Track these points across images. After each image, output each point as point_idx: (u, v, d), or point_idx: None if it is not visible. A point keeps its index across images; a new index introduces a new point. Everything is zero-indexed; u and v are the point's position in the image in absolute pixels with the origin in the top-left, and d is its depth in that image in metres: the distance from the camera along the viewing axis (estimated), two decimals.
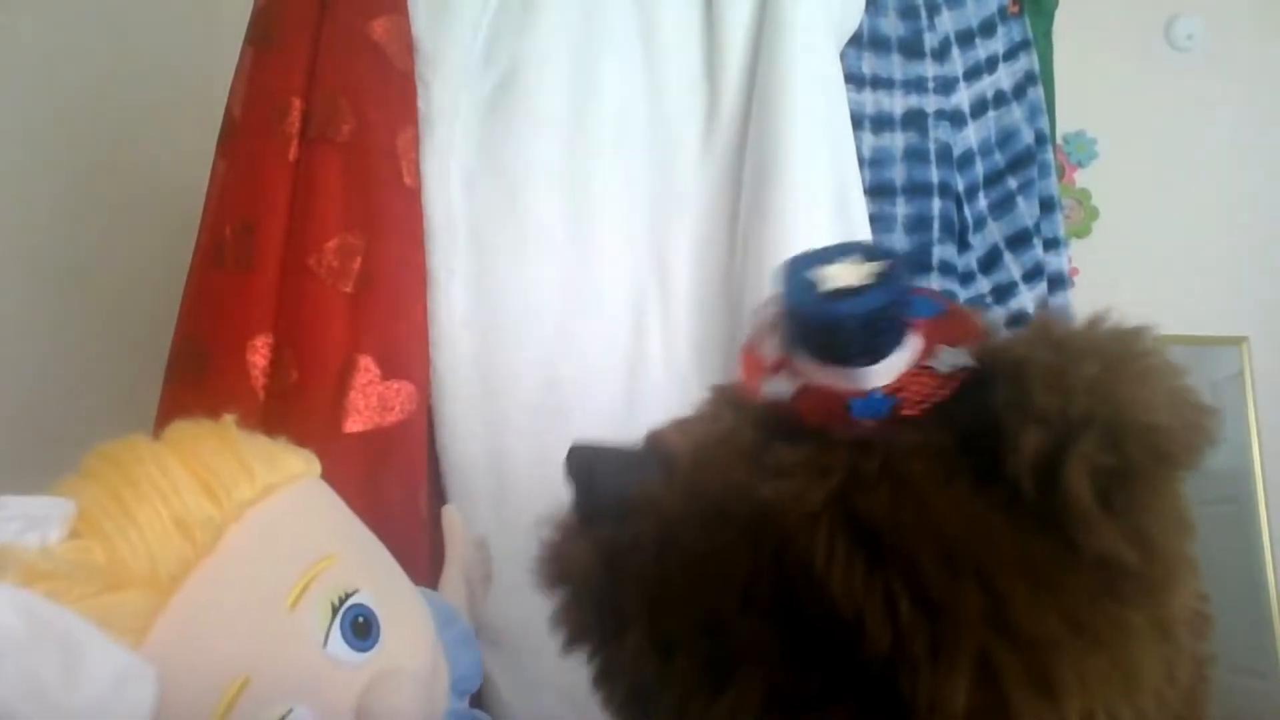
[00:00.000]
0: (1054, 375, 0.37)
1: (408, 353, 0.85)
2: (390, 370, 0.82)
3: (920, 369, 0.43)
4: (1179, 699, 0.40)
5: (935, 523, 0.38)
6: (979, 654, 0.35)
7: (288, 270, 0.82)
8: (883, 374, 0.43)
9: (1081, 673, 0.36)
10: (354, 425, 0.79)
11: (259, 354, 0.80)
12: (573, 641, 0.48)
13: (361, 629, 0.45)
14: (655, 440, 0.47)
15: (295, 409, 0.79)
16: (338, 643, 0.44)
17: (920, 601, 0.36)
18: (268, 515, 0.45)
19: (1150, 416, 0.35)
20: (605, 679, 0.48)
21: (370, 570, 0.49)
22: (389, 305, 0.84)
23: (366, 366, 0.81)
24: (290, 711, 0.42)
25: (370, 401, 0.80)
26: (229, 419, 0.50)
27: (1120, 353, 0.38)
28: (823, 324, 0.43)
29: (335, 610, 0.44)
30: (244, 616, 0.42)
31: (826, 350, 0.43)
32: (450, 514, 0.76)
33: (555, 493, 0.87)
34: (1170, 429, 0.36)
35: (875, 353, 0.43)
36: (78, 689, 0.35)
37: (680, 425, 0.49)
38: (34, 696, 0.34)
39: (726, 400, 0.51)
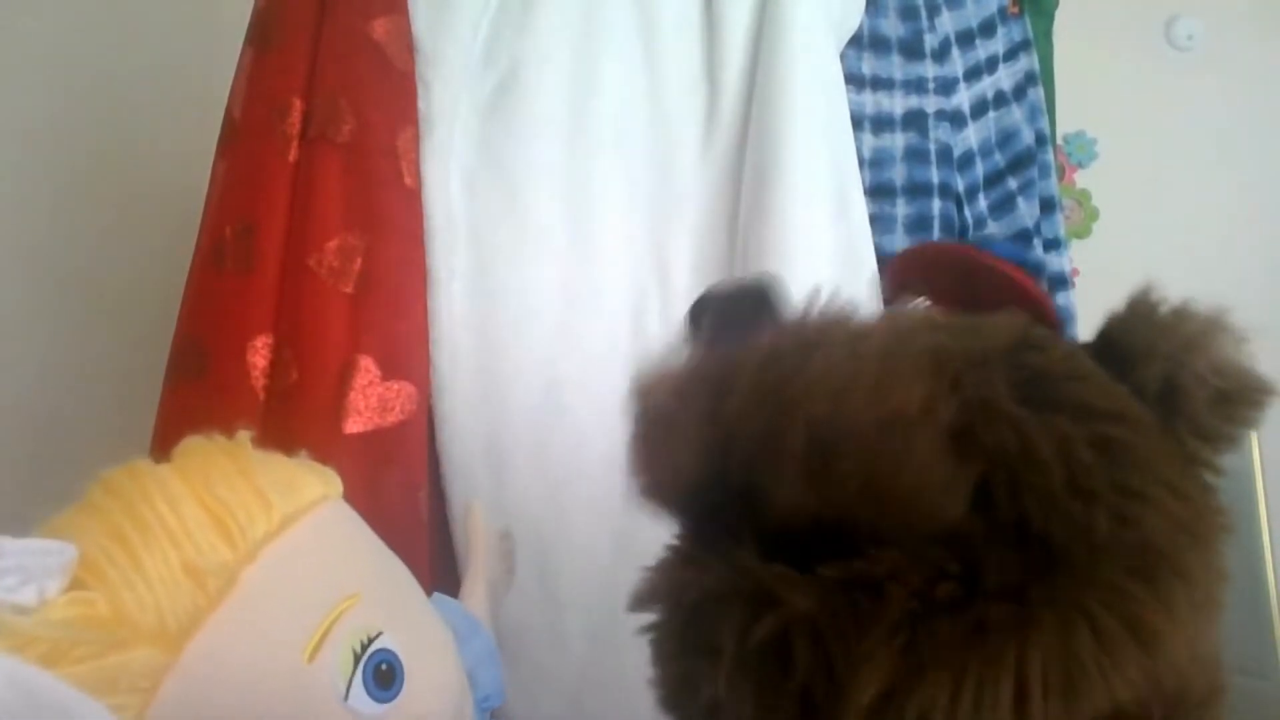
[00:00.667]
0: (1180, 326, 0.41)
1: (408, 353, 0.85)
2: (390, 371, 0.82)
3: None
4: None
5: (1123, 409, 0.39)
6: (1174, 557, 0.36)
7: (288, 271, 0.82)
8: None
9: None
10: (354, 426, 0.79)
11: (259, 354, 0.80)
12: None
13: (385, 677, 0.41)
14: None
15: (295, 410, 0.79)
16: (360, 696, 0.40)
17: (1101, 444, 0.37)
18: (286, 552, 0.42)
19: (1244, 359, 0.40)
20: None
21: (394, 606, 0.45)
22: (389, 305, 0.84)
23: (367, 367, 0.81)
24: None
25: (370, 402, 0.80)
26: (243, 435, 0.47)
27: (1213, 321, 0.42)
28: None
29: (357, 659, 0.41)
30: (259, 671, 0.39)
31: None
32: (474, 514, 0.73)
33: (555, 491, 0.88)
34: (1254, 370, 0.41)
35: None
36: None
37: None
38: None
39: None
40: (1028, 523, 0.35)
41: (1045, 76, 1.17)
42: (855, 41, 1.05)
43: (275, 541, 0.41)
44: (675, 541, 0.46)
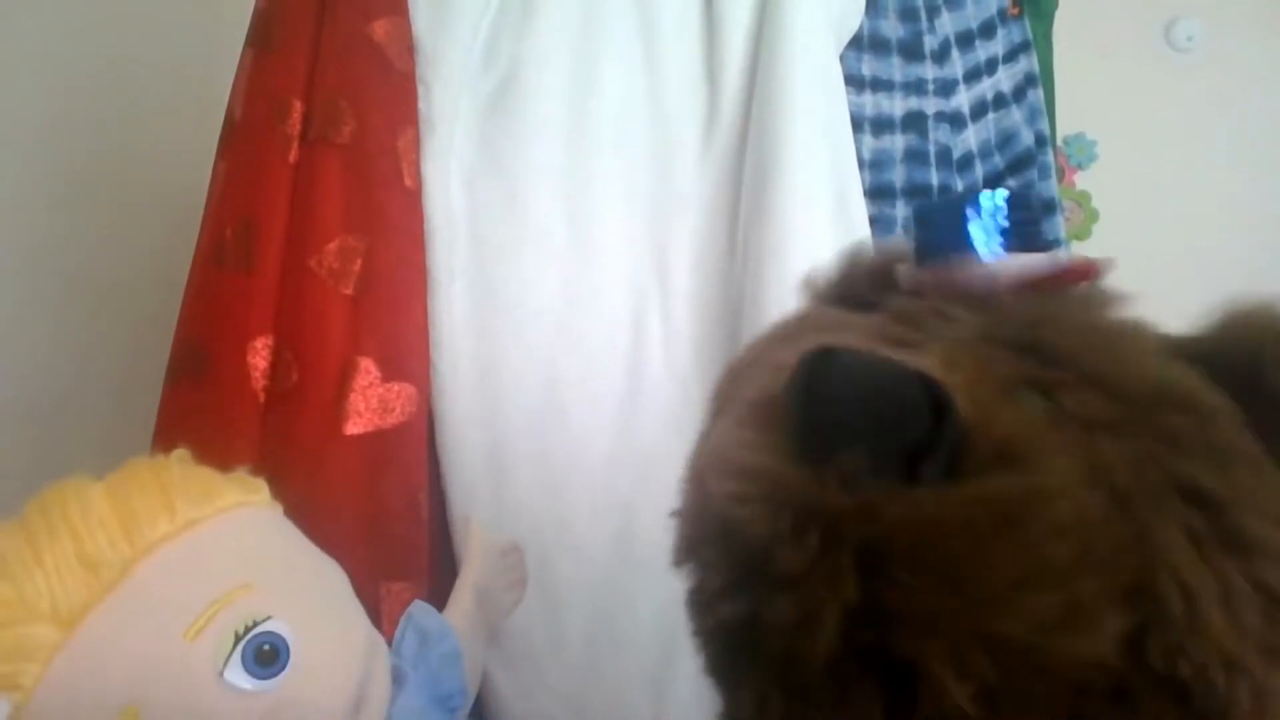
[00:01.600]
0: None
1: (408, 354, 0.85)
2: (391, 372, 0.82)
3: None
4: None
5: (1275, 504, 0.36)
6: None
7: (288, 271, 0.82)
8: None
9: None
10: (354, 427, 0.79)
11: (259, 355, 0.80)
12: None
13: (266, 656, 0.45)
14: (924, 373, 0.36)
15: (296, 411, 0.79)
16: (236, 670, 0.44)
17: (1265, 597, 0.34)
18: (184, 548, 0.47)
19: None
20: None
21: (294, 598, 0.49)
22: (389, 307, 0.84)
23: (367, 368, 0.81)
24: None
25: (371, 403, 0.80)
26: (183, 453, 0.53)
27: None
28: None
29: (239, 638, 0.45)
30: (139, 649, 0.44)
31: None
32: (469, 524, 0.76)
33: (555, 492, 0.88)
34: None
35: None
36: None
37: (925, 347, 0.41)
38: None
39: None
40: (1175, 678, 0.33)
41: (1045, 78, 1.17)
42: (855, 43, 1.05)
43: (175, 540, 0.47)
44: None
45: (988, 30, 1.13)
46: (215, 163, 0.89)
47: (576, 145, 0.94)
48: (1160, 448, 0.36)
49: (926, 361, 0.38)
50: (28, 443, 1.21)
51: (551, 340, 0.91)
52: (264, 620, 0.46)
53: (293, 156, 0.84)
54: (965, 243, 0.45)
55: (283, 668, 0.46)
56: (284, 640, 0.46)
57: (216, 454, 0.77)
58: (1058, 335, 0.40)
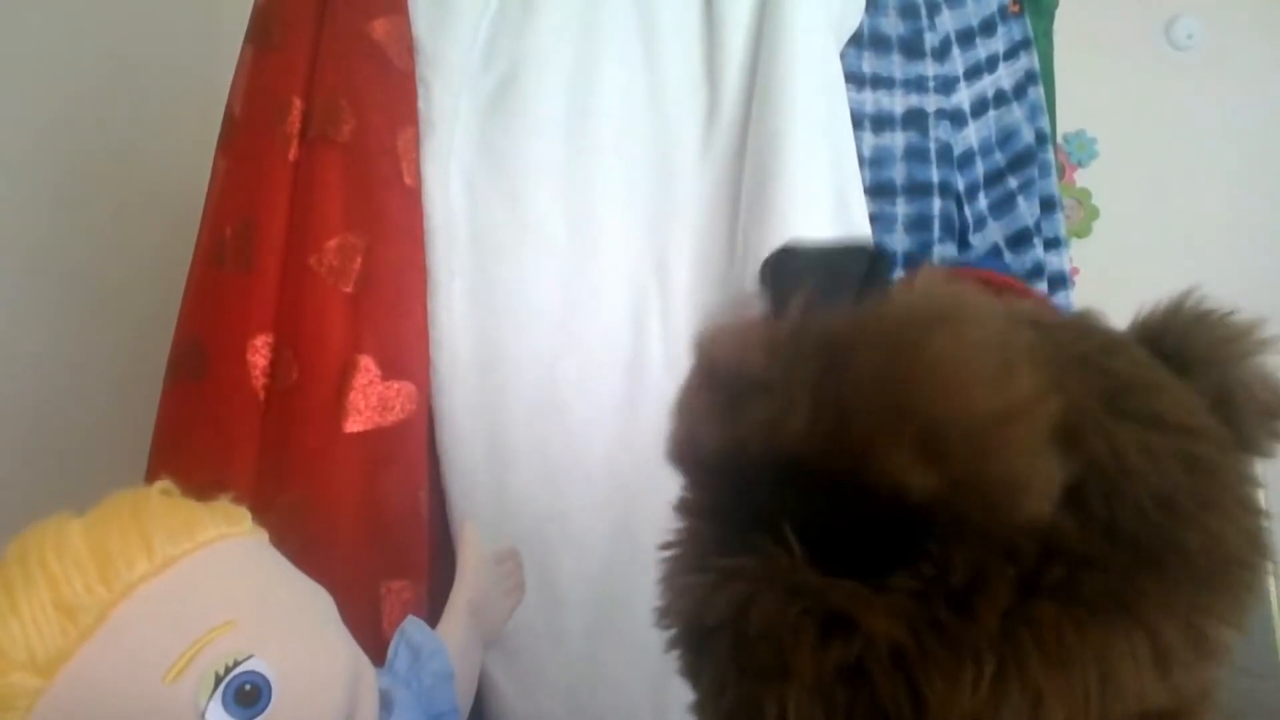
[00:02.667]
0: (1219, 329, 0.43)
1: (408, 353, 0.85)
2: (391, 370, 0.82)
3: None
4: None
5: (1204, 425, 0.40)
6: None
7: (288, 270, 0.82)
8: None
9: None
10: (354, 425, 0.79)
11: (259, 354, 0.80)
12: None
13: (248, 696, 0.45)
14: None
15: (295, 409, 0.79)
16: (217, 712, 0.44)
17: (1186, 458, 0.38)
18: (162, 588, 0.46)
19: None
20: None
21: (276, 632, 0.49)
22: (389, 305, 0.84)
23: (367, 366, 0.81)
24: None
25: (371, 401, 0.80)
26: (166, 485, 0.52)
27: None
28: None
29: (219, 679, 0.45)
30: (119, 693, 0.44)
31: None
32: (465, 532, 0.75)
33: (555, 491, 0.88)
34: None
35: None
36: None
37: None
38: None
39: None
40: (1117, 527, 0.36)
41: (1045, 75, 1.17)
42: (855, 40, 1.05)
43: (153, 579, 0.46)
44: (684, 535, 0.45)
45: (988, 27, 1.13)
46: (215, 161, 0.89)
47: (576, 145, 0.94)
48: (1080, 340, 0.40)
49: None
50: (27, 441, 1.21)
51: (551, 339, 0.91)
52: (245, 659, 0.46)
53: (293, 155, 0.84)
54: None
55: (265, 706, 0.46)
56: (265, 679, 0.46)
57: (216, 452, 0.78)
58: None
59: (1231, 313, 0.44)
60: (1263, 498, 0.41)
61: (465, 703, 0.69)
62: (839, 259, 0.43)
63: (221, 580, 0.49)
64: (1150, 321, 0.45)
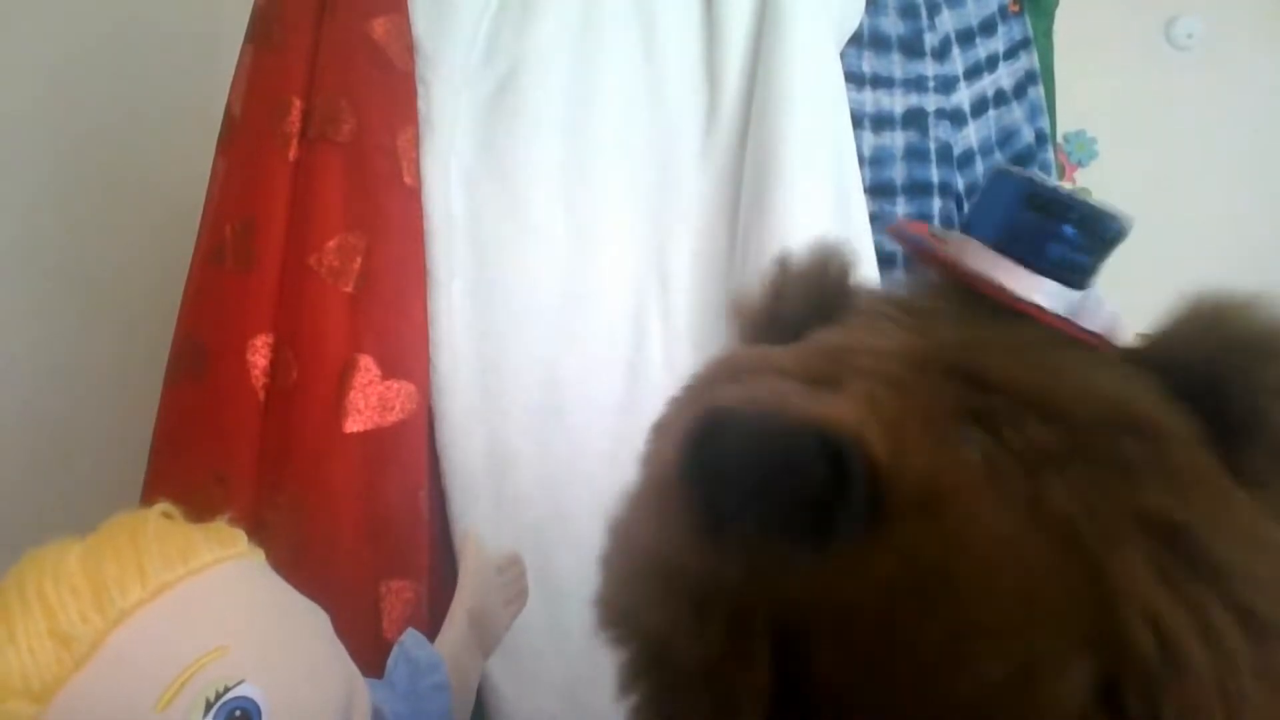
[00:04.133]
0: None
1: (408, 352, 0.85)
2: (390, 370, 0.82)
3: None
4: None
5: (1240, 522, 0.34)
6: None
7: (288, 270, 0.82)
8: (1058, 295, 0.41)
9: None
10: (354, 425, 0.79)
11: (259, 353, 0.80)
12: None
13: None
14: (823, 423, 0.33)
15: (295, 409, 0.79)
16: None
17: (1242, 618, 0.32)
18: (155, 615, 0.47)
19: None
20: None
21: (269, 656, 0.49)
22: (389, 305, 0.84)
23: (367, 366, 0.81)
24: None
25: (370, 401, 0.80)
26: (168, 508, 0.52)
27: None
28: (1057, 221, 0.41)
29: (210, 705, 0.45)
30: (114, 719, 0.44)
31: (1038, 254, 0.41)
32: (467, 541, 0.75)
33: (555, 491, 0.88)
34: None
35: (1081, 271, 0.42)
36: None
37: (848, 376, 0.37)
38: None
39: (884, 306, 0.42)
40: None
41: (1045, 75, 1.17)
42: (855, 40, 1.05)
43: (147, 606, 0.47)
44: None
45: (988, 27, 1.13)
46: (215, 161, 0.89)
47: (576, 144, 0.94)
48: (1111, 476, 0.33)
49: (841, 402, 0.35)
50: (28, 442, 1.21)
51: (551, 339, 0.91)
52: (236, 685, 0.46)
53: (292, 154, 0.84)
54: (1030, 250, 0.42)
55: None
56: (255, 704, 0.46)
57: (216, 452, 0.78)
58: (994, 358, 0.38)
59: (1255, 317, 0.37)
60: None
61: (463, 716, 0.69)
62: (786, 462, 0.31)
63: (214, 605, 0.50)
64: (1163, 349, 0.39)
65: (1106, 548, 0.32)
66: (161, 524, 0.51)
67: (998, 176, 0.45)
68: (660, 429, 0.47)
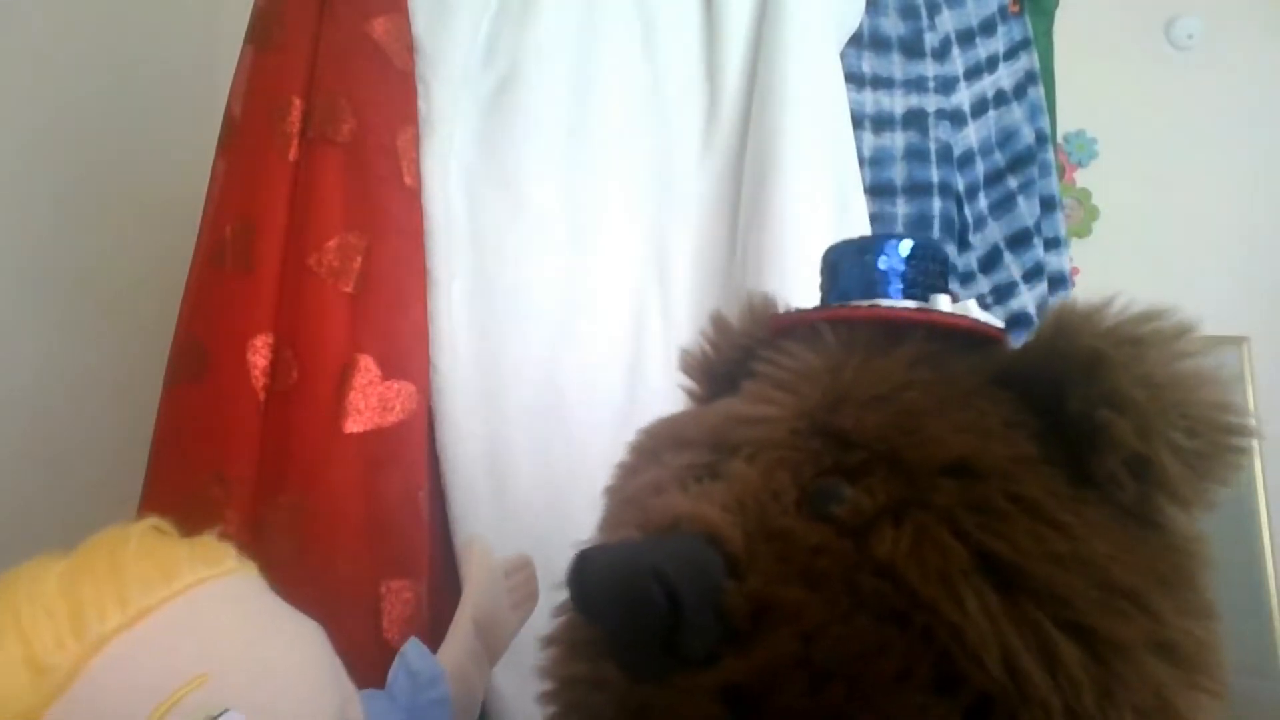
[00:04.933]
0: (1136, 366, 0.38)
1: (408, 353, 0.85)
2: (390, 370, 0.82)
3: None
4: None
5: (1066, 547, 0.37)
6: (1155, 687, 0.35)
7: (288, 270, 0.82)
8: (900, 305, 0.48)
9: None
10: (354, 425, 0.79)
11: (259, 354, 0.79)
12: None
13: None
14: (697, 526, 0.41)
15: (295, 409, 0.79)
16: None
17: (1081, 638, 0.35)
18: (134, 642, 0.45)
19: (1216, 397, 0.39)
20: None
21: (255, 680, 0.47)
22: (389, 305, 0.84)
23: (367, 366, 0.81)
24: None
25: (370, 401, 0.80)
26: (159, 522, 0.50)
27: (1166, 337, 0.40)
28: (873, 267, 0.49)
29: None
30: None
31: (870, 288, 0.48)
32: (471, 547, 0.73)
33: (555, 491, 0.88)
34: (1229, 407, 0.39)
35: (910, 284, 0.49)
36: None
37: (711, 480, 0.45)
38: None
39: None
40: None
41: (1045, 75, 1.17)
42: (855, 40, 1.05)
43: (126, 633, 0.45)
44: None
45: (988, 27, 1.13)
46: (215, 161, 0.89)
47: (576, 144, 0.94)
48: (939, 521, 0.37)
49: (708, 510, 0.41)
50: (28, 443, 1.20)
51: (551, 339, 0.91)
52: (220, 715, 0.44)
53: (292, 155, 0.84)
54: (874, 285, 0.49)
55: None
56: None
57: (216, 453, 0.78)
58: (853, 412, 0.43)
59: (1127, 325, 0.40)
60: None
61: None
62: (626, 601, 0.37)
63: (196, 630, 0.48)
64: (1021, 365, 0.43)
65: (943, 597, 0.36)
66: (144, 542, 0.49)
67: (826, 254, 0.54)
68: (609, 492, 0.56)
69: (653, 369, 0.92)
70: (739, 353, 0.54)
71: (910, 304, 0.49)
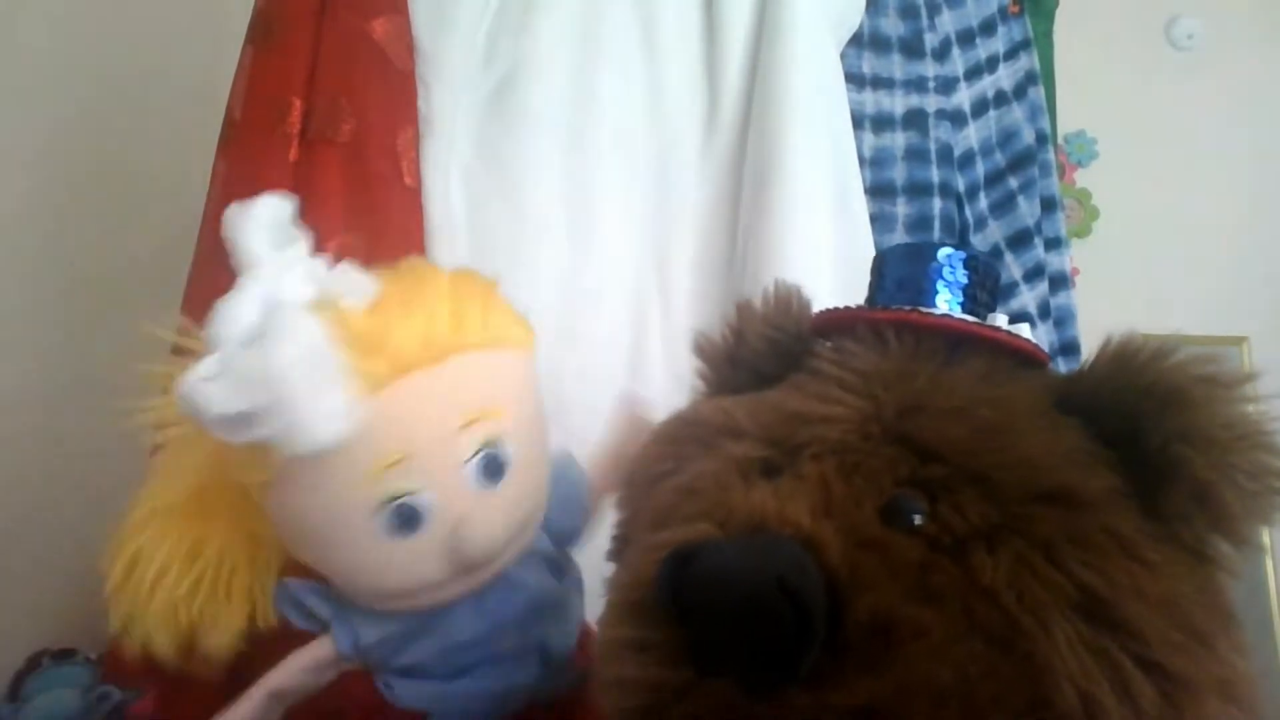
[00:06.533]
0: (1215, 406, 0.39)
1: None
2: None
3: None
4: None
5: (1153, 586, 0.37)
6: None
7: None
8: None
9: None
10: None
11: None
12: None
13: (492, 469, 0.55)
14: (788, 529, 0.39)
15: None
16: (471, 470, 0.54)
17: (1158, 677, 0.36)
18: (482, 361, 0.56)
19: (1274, 444, 0.40)
20: None
21: (523, 434, 0.58)
22: None
23: None
24: (422, 491, 0.53)
25: None
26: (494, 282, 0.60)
27: (1236, 380, 0.41)
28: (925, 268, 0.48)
29: (481, 447, 0.55)
30: (425, 421, 0.53)
31: (927, 297, 0.47)
32: (628, 402, 0.76)
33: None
34: None
35: (964, 303, 0.48)
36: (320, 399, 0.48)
37: (787, 483, 0.42)
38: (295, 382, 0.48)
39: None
40: None
41: (1046, 76, 1.17)
42: (856, 40, 1.05)
43: (480, 349, 0.57)
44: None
45: (988, 28, 1.13)
46: (215, 162, 0.89)
47: (576, 144, 0.94)
48: (1036, 552, 0.37)
49: (799, 512, 0.39)
50: (29, 442, 1.20)
51: (552, 338, 0.90)
52: (500, 440, 0.56)
53: (292, 155, 0.84)
54: (931, 295, 0.48)
55: (498, 482, 0.56)
56: (503, 464, 0.56)
57: None
58: (932, 422, 0.42)
59: (1208, 381, 0.40)
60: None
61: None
62: (755, 615, 0.35)
63: (512, 379, 0.60)
64: (1090, 388, 0.43)
65: (1035, 627, 0.36)
66: (494, 291, 0.60)
67: (881, 257, 0.53)
68: (634, 482, 0.54)
69: (653, 368, 0.93)
70: (765, 344, 0.52)
71: (972, 319, 0.48)
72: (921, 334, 0.47)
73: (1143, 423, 0.40)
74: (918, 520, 0.39)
